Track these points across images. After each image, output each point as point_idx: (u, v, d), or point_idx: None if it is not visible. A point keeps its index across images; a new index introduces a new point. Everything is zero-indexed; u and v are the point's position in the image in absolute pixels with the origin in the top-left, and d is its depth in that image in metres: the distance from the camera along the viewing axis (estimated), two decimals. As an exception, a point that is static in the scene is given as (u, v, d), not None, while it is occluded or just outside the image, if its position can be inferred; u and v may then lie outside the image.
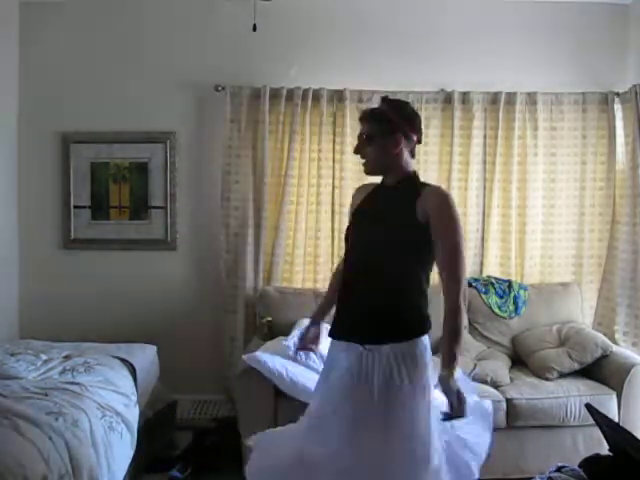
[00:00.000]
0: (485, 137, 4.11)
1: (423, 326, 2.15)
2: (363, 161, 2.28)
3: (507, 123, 4.09)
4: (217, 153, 4.12)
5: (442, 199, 2.14)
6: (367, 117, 2.31)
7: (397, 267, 2.12)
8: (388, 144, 2.20)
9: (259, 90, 4.02)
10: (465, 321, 2.08)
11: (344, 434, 2.06)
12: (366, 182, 2.43)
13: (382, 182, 2.30)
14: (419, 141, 2.26)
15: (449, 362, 2.04)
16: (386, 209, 2.20)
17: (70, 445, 2.48)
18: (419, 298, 2.16)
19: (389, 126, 2.21)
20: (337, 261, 4.11)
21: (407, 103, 2.37)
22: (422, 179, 2.33)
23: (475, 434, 2.17)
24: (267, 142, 4.02)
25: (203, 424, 3.79)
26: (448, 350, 2.05)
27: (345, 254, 2.31)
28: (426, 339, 2.14)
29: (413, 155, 2.26)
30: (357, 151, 2.29)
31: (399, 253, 2.11)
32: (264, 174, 4.04)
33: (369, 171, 2.28)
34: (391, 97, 2.34)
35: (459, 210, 2.19)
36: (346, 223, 4.03)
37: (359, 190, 2.42)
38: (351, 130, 4.06)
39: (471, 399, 2.10)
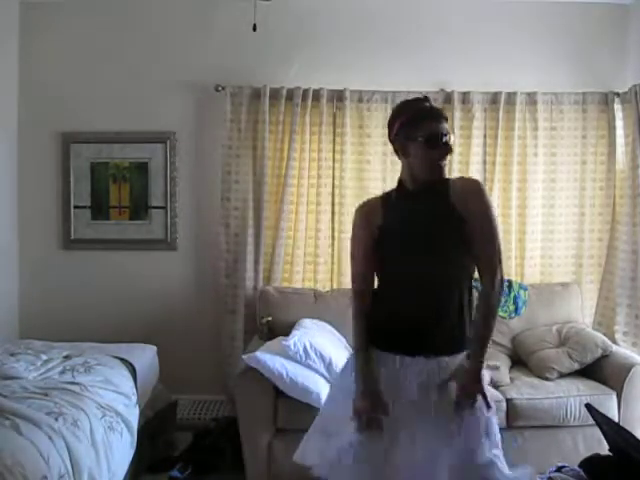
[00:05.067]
0: (485, 137, 4.11)
1: None
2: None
3: (507, 123, 4.09)
4: (217, 153, 4.12)
5: None
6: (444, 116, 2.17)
7: None
8: None
9: (259, 90, 4.02)
10: None
11: None
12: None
13: None
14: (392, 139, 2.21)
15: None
16: None
17: (70, 445, 2.48)
18: None
19: None
20: (337, 261, 4.12)
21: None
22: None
23: None
24: (267, 142, 4.02)
25: (203, 424, 3.79)
26: None
27: None
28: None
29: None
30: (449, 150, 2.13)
31: None
32: (264, 174, 4.04)
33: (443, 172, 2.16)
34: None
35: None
36: (346, 223, 4.09)
37: None
38: (351, 130, 4.06)
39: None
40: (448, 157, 2.12)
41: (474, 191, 2.11)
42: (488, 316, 2.08)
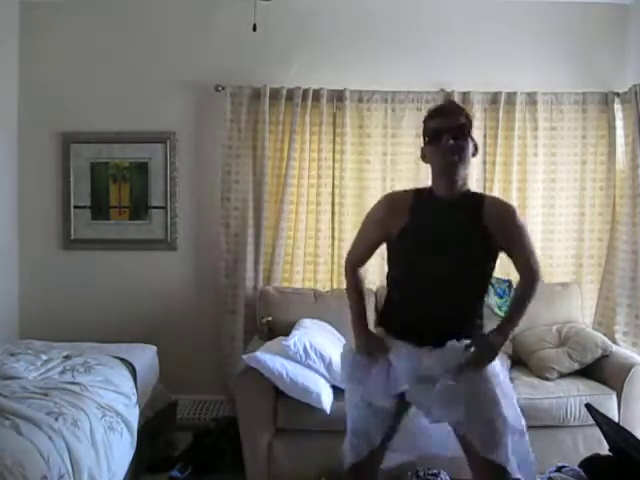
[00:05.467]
0: (485, 137, 4.10)
1: None
2: (455, 162, 2.10)
3: (507, 123, 4.09)
4: (217, 153, 4.12)
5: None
6: (457, 110, 2.15)
7: None
8: (474, 146, 2.17)
9: (259, 90, 4.02)
10: None
11: None
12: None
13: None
14: None
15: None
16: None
17: (70, 445, 2.48)
18: None
19: (471, 127, 2.16)
20: (337, 261, 4.12)
21: None
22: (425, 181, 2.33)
23: None
24: (267, 142, 4.02)
25: (203, 424, 3.79)
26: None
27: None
28: None
29: None
30: (459, 150, 2.09)
31: None
32: (264, 174, 4.04)
33: (455, 170, 2.11)
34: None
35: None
36: (346, 223, 4.09)
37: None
38: (351, 130, 4.06)
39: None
40: (464, 153, 2.10)
41: (510, 220, 2.17)
42: (524, 304, 2.23)
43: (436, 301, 2.15)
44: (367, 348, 2.25)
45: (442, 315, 2.15)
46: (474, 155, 2.18)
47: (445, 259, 2.11)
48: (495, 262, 2.23)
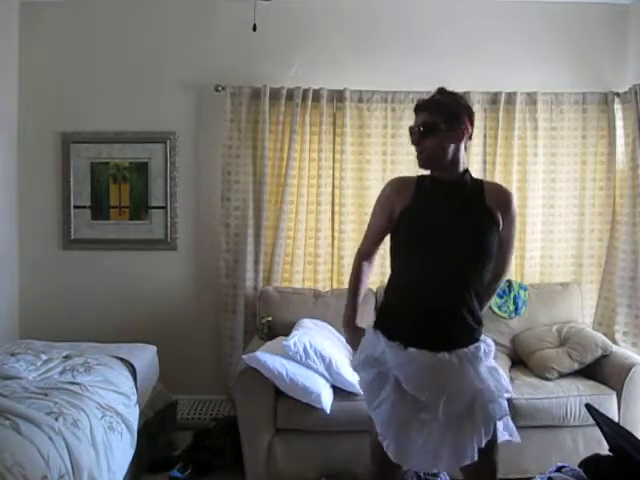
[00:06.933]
0: (485, 137, 4.11)
1: None
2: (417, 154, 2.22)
3: (507, 123, 4.09)
4: (217, 153, 4.12)
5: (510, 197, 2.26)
6: (429, 107, 2.29)
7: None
8: (453, 136, 2.18)
9: (259, 90, 4.03)
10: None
11: None
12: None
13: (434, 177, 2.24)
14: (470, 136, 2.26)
15: None
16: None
17: (70, 445, 2.48)
18: None
19: (454, 117, 2.20)
20: (337, 261, 4.12)
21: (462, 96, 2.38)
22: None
23: None
24: (267, 142, 4.02)
25: (203, 424, 3.79)
26: None
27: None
28: None
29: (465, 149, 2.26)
30: (415, 142, 2.22)
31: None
32: (264, 174, 4.04)
33: (424, 164, 2.22)
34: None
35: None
36: (346, 223, 4.09)
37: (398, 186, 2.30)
38: (351, 130, 4.06)
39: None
40: (428, 151, 2.17)
41: (508, 204, 2.22)
42: (488, 298, 2.35)
43: (440, 287, 2.12)
44: (351, 345, 2.38)
45: (446, 307, 2.13)
46: (459, 141, 2.18)
47: (449, 241, 2.12)
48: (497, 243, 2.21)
